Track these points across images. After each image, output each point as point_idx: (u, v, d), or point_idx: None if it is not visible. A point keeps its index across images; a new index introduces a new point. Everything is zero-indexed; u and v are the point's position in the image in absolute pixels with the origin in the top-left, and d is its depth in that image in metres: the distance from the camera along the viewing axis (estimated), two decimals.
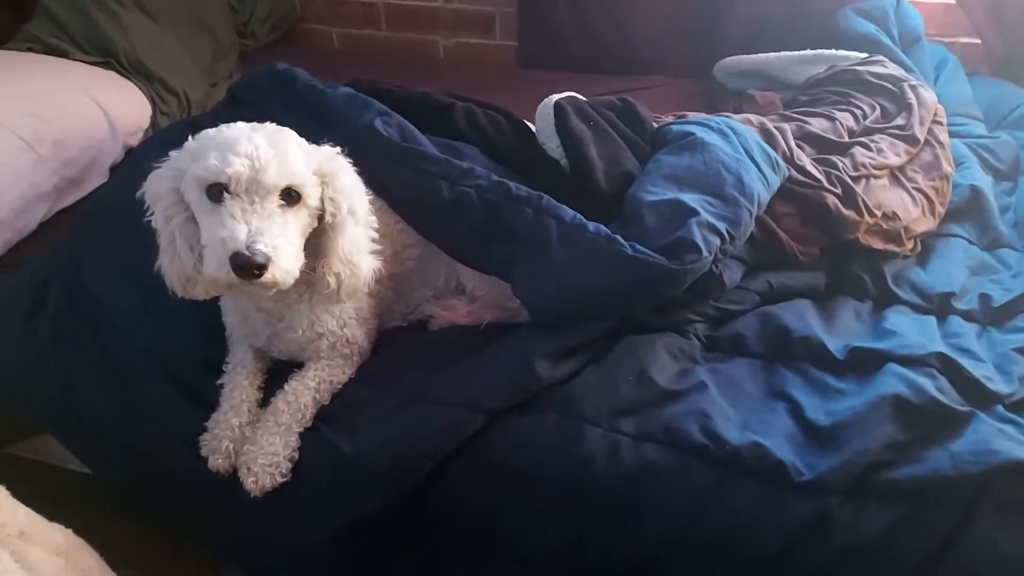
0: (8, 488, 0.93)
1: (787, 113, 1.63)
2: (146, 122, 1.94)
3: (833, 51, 1.85)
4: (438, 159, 1.24)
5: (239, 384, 1.17)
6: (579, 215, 1.17)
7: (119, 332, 1.26)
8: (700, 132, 1.29)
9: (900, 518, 0.98)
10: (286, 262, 0.97)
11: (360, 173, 1.11)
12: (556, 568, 1.09)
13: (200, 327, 1.24)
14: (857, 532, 0.99)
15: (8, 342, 1.33)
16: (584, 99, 1.38)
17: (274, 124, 1.07)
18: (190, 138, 1.05)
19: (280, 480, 1.08)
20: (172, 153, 1.06)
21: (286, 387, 1.16)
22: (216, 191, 0.97)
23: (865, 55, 1.81)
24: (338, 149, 1.10)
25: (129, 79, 1.95)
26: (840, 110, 1.62)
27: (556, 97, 1.34)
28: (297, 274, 1.01)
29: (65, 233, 1.59)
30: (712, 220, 1.15)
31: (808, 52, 1.88)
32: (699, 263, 1.12)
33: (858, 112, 1.62)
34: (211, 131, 1.03)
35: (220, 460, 1.11)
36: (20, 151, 1.59)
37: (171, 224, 1.04)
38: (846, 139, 1.53)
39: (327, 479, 1.10)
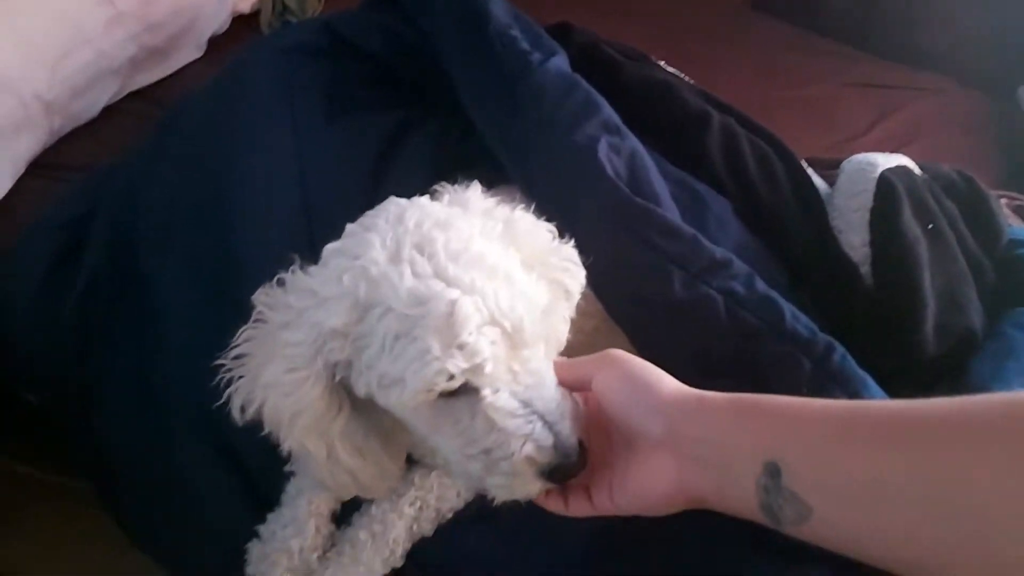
0: None
1: None
2: None
3: None
4: (680, 232, 0.78)
5: (310, 486, 0.80)
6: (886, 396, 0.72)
7: (162, 342, 0.88)
8: None
9: None
10: None
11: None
12: None
13: None
14: None
15: (22, 291, 0.97)
16: (920, 173, 0.87)
17: (438, 205, 0.64)
18: (307, 276, 0.62)
19: None
20: (287, 337, 0.61)
21: (372, 508, 0.79)
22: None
23: None
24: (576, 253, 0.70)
25: None
26: None
27: (883, 165, 0.83)
28: None
29: (135, 128, 1.19)
30: None
31: None
32: None
33: None
34: (357, 284, 0.58)
35: None
36: (92, 3, 1.15)
37: (328, 435, 0.65)
38: None
39: None
